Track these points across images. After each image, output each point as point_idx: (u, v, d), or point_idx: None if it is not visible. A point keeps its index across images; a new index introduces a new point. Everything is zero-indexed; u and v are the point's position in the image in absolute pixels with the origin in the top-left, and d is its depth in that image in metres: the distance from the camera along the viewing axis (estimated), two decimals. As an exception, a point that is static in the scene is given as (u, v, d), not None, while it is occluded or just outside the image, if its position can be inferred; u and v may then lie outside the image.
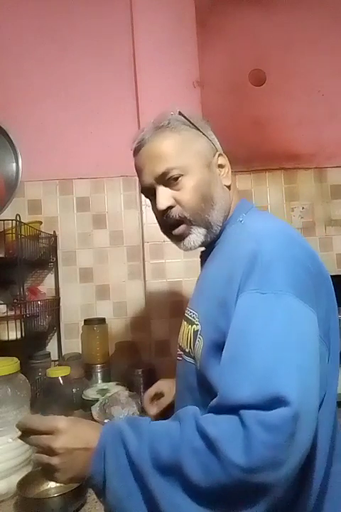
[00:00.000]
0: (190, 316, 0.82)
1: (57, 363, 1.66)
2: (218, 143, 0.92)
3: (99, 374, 1.64)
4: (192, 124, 0.86)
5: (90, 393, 1.44)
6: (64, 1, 1.84)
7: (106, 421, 1.15)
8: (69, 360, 1.61)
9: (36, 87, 1.81)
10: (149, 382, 1.55)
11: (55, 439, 0.63)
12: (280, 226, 0.76)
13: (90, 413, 1.27)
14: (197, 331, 0.76)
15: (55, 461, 0.62)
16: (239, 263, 0.68)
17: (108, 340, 1.71)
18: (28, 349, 1.46)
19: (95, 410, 1.26)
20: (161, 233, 0.91)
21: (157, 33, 1.78)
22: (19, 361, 1.03)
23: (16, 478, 0.92)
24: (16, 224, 1.38)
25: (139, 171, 0.87)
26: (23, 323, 1.36)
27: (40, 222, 1.69)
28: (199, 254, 0.96)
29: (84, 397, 1.42)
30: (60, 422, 0.65)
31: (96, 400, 1.34)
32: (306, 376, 0.58)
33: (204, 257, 0.93)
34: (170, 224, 0.84)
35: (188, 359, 0.80)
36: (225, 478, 0.55)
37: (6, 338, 1.34)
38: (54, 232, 1.75)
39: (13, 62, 1.81)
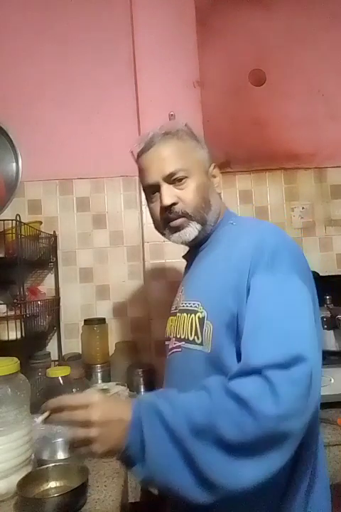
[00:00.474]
0: (190, 306, 0.88)
1: (57, 363, 1.66)
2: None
3: (99, 374, 1.64)
4: (195, 136, 0.97)
5: (90, 393, 1.44)
6: (64, 2, 1.84)
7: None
8: (69, 360, 1.61)
9: (36, 87, 1.81)
10: (149, 382, 1.56)
11: (91, 412, 0.66)
12: (273, 225, 0.89)
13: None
14: (204, 317, 0.82)
15: (93, 432, 0.65)
16: (246, 252, 0.79)
17: (108, 340, 1.71)
18: (28, 349, 1.46)
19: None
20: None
21: (157, 32, 1.78)
22: (19, 361, 1.03)
23: (16, 478, 0.92)
24: (16, 224, 1.38)
25: (145, 170, 0.95)
26: (23, 323, 1.36)
27: (40, 222, 1.69)
28: (181, 254, 1.07)
29: (84, 397, 1.42)
30: (94, 396, 0.70)
31: (97, 400, 1.34)
32: (313, 339, 0.70)
33: (190, 256, 1.02)
34: (170, 218, 0.92)
35: (193, 347, 0.84)
36: (259, 431, 0.62)
37: (6, 338, 1.34)
38: (54, 232, 1.75)
39: (13, 62, 1.81)
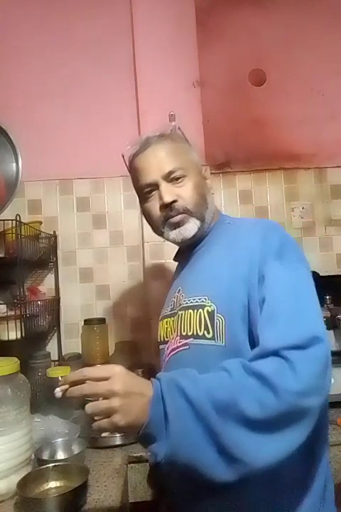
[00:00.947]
0: (196, 302, 0.87)
1: (57, 363, 1.66)
2: None
3: (99, 374, 1.63)
4: (186, 139, 1.01)
5: (90, 393, 1.43)
6: (64, 2, 1.84)
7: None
8: (69, 360, 1.61)
9: (36, 87, 1.81)
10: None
11: (114, 382, 0.65)
12: (273, 221, 0.93)
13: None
14: (213, 310, 0.83)
15: (115, 402, 0.64)
16: (254, 245, 0.82)
17: (108, 340, 1.71)
18: (28, 349, 1.46)
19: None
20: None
21: (157, 33, 1.78)
22: (19, 361, 1.03)
23: (16, 478, 0.91)
24: (16, 224, 1.38)
25: (142, 169, 0.96)
26: (23, 323, 1.36)
27: (40, 222, 1.69)
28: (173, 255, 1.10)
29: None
30: (116, 367, 0.69)
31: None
32: (323, 322, 0.73)
33: (184, 258, 1.03)
34: (170, 216, 0.93)
35: (203, 342, 0.84)
36: (280, 407, 0.64)
37: (6, 338, 1.34)
38: (54, 232, 1.75)
39: (14, 62, 1.81)
